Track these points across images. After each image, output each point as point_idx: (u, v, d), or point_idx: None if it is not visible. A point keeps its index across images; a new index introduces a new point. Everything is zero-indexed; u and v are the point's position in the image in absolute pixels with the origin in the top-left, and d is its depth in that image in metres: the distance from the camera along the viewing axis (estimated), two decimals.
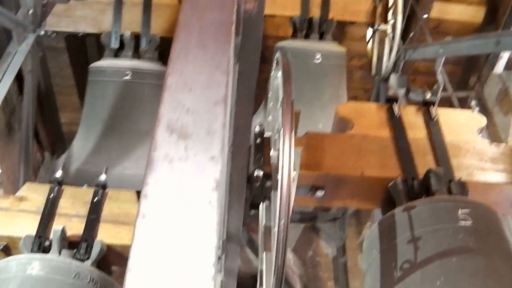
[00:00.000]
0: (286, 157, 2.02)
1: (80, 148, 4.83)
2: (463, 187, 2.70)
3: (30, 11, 4.49)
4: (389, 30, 5.11)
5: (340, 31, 6.42)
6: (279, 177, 2.05)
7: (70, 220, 3.23)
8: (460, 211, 2.38)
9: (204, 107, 0.98)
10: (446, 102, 5.67)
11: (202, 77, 1.03)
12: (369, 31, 5.62)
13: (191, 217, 0.84)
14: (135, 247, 0.81)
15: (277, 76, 2.39)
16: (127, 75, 4.76)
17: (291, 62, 2.24)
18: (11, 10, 4.39)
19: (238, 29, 1.40)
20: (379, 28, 5.22)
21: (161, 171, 0.88)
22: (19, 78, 4.61)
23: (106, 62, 4.88)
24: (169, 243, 0.81)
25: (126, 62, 4.85)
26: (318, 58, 5.02)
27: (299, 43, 5.16)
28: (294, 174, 2.11)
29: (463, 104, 6.46)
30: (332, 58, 5.19)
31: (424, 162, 2.85)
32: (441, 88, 3.33)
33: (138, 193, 3.44)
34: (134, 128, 4.80)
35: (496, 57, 5.22)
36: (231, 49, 1.08)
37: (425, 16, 5.21)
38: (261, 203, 2.59)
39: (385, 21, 5.22)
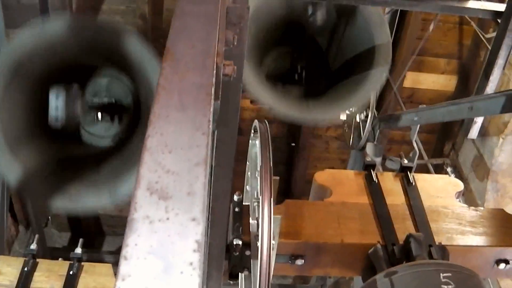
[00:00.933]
0: (266, 224, 2.01)
1: None
2: (443, 251, 2.70)
3: None
4: None
5: None
6: (259, 244, 2.03)
7: None
8: (441, 275, 2.37)
9: (184, 168, 0.98)
10: (422, 170, 5.72)
11: (182, 138, 1.03)
12: None
13: (172, 279, 0.82)
14: None
15: (255, 144, 2.41)
16: None
17: (269, 130, 2.27)
18: None
19: (218, 92, 1.41)
20: None
21: (141, 232, 0.86)
22: None
23: None
24: None
25: None
26: None
27: None
28: (273, 242, 2.10)
29: (439, 171, 6.54)
30: None
31: (403, 228, 2.85)
32: (417, 155, 3.37)
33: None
34: None
35: (469, 124, 5.33)
36: (211, 111, 1.09)
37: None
38: (240, 273, 2.55)
39: None
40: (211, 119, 1.07)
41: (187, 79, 1.17)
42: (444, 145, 7.19)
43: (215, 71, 1.21)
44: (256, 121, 2.41)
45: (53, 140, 3.79)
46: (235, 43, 1.64)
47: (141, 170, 0.96)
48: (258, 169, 2.18)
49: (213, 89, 1.14)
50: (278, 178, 2.40)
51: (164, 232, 0.87)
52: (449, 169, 6.43)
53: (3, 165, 3.41)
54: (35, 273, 3.27)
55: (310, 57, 4.95)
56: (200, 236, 0.87)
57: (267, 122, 2.41)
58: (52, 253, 6.21)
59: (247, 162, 2.66)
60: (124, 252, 0.83)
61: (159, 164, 0.97)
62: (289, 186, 8.42)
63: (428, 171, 5.90)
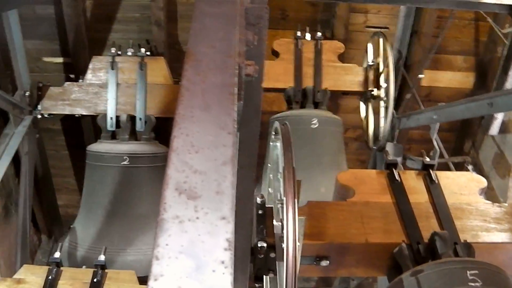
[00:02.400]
0: (290, 225, 2.00)
1: (81, 233, 4.76)
2: (469, 248, 2.67)
3: (27, 93, 4.54)
4: (382, 94, 5.10)
5: (334, 103, 6.48)
6: (284, 245, 2.02)
7: None
8: (468, 273, 2.34)
9: (211, 167, 0.97)
10: (443, 169, 5.67)
11: (208, 138, 1.03)
12: (362, 106, 5.65)
13: (205, 278, 0.82)
14: None
15: (276, 146, 2.40)
16: (124, 160, 4.74)
17: (291, 131, 2.25)
18: (7, 92, 4.44)
19: (240, 93, 1.41)
20: (372, 92, 5.22)
21: (172, 232, 0.86)
22: (16, 160, 4.61)
23: (103, 146, 4.85)
24: None
25: (123, 147, 4.83)
26: (315, 123, 4.92)
27: (295, 112, 5.13)
28: (298, 244, 2.09)
29: (460, 169, 6.46)
30: (329, 124, 5.08)
31: (428, 226, 2.83)
32: (438, 154, 3.34)
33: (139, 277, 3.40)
34: (134, 213, 4.77)
35: (489, 120, 5.27)
36: (235, 110, 1.08)
37: (421, 76, 5.27)
38: (265, 275, 2.54)
39: (378, 87, 5.25)
40: (235, 118, 1.07)
41: (209, 80, 1.17)
42: (464, 143, 7.12)
43: (237, 71, 1.21)
44: (276, 122, 2.40)
45: None
46: (255, 43, 1.64)
47: (169, 170, 0.95)
48: (281, 170, 2.17)
49: (236, 89, 1.14)
50: (301, 180, 2.39)
51: (194, 232, 0.86)
52: (470, 167, 6.36)
53: None
54: (59, 281, 3.27)
55: None
56: (230, 235, 0.87)
57: (288, 124, 2.39)
58: None
59: (268, 164, 2.65)
60: (155, 252, 0.83)
61: (186, 164, 0.97)
62: None
63: (449, 170, 5.85)
